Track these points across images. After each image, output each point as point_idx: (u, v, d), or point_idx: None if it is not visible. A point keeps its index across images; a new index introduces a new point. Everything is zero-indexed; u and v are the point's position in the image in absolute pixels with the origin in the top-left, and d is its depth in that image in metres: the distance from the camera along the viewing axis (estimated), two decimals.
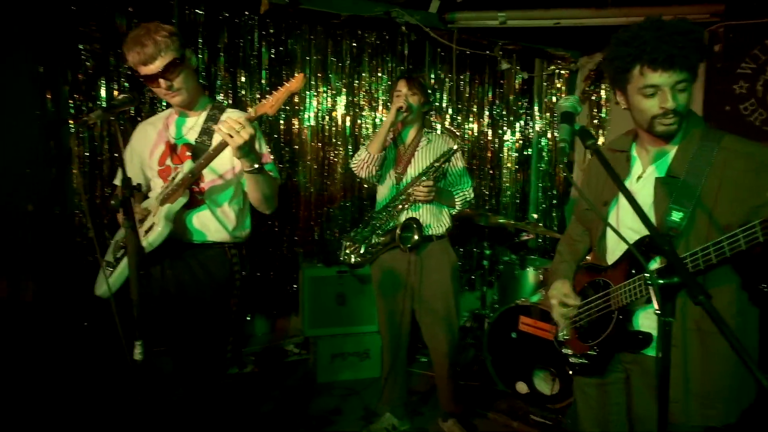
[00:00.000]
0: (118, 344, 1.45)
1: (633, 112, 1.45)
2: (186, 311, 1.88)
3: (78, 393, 2.94)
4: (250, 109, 1.72)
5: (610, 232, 1.58)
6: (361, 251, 2.74)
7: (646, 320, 1.47)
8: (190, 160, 1.83)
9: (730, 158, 1.36)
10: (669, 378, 1.11)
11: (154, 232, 1.76)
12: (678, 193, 1.38)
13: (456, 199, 2.74)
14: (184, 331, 1.89)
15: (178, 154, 1.91)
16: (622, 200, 1.52)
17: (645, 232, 1.40)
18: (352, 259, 2.76)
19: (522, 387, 3.16)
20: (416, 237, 2.60)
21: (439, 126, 4.29)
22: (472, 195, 2.79)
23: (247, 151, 1.66)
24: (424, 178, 2.60)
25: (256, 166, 1.73)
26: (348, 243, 2.79)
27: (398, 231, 2.60)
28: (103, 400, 2.86)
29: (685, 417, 1.39)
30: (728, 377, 1.38)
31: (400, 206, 2.67)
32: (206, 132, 1.88)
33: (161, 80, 1.72)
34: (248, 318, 3.80)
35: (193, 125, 1.92)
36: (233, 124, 1.60)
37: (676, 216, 1.36)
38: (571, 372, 1.69)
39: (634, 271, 1.43)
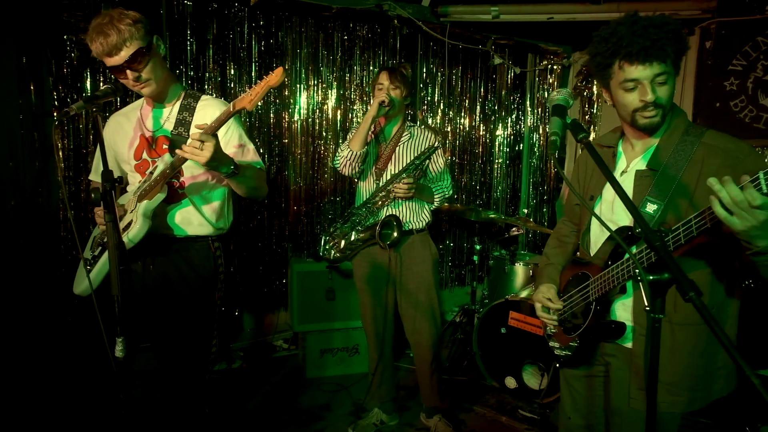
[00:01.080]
0: (100, 341, 1.42)
1: (617, 107, 1.47)
2: (170, 306, 1.85)
3: (62, 390, 2.90)
4: (228, 104, 1.67)
5: (593, 227, 1.62)
6: (341, 246, 2.73)
7: (622, 310, 1.52)
8: (167, 154, 1.78)
9: (708, 154, 1.38)
10: (657, 372, 1.11)
11: (133, 229, 1.72)
12: (655, 186, 1.41)
13: (435, 195, 2.73)
14: (168, 326, 1.86)
15: (155, 148, 1.86)
16: (606, 195, 1.57)
17: (623, 224, 1.48)
18: (332, 254, 2.76)
19: (511, 382, 3.17)
20: (395, 234, 2.60)
21: (419, 120, 4.27)
22: (451, 191, 2.79)
23: (215, 164, 1.63)
24: (404, 175, 2.58)
25: (232, 169, 1.70)
26: (327, 238, 2.78)
27: (378, 228, 2.59)
28: (87, 397, 2.83)
29: (647, 403, 1.43)
30: (693, 368, 1.43)
31: (380, 202, 2.65)
32: (182, 123, 1.83)
33: (128, 71, 1.65)
34: (236, 313, 3.77)
35: (168, 116, 1.87)
36: (194, 144, 1.56)
37: (650, 208, 1.40)
38: (557, 365, 1.73)
39: (610, 262, 1.47)
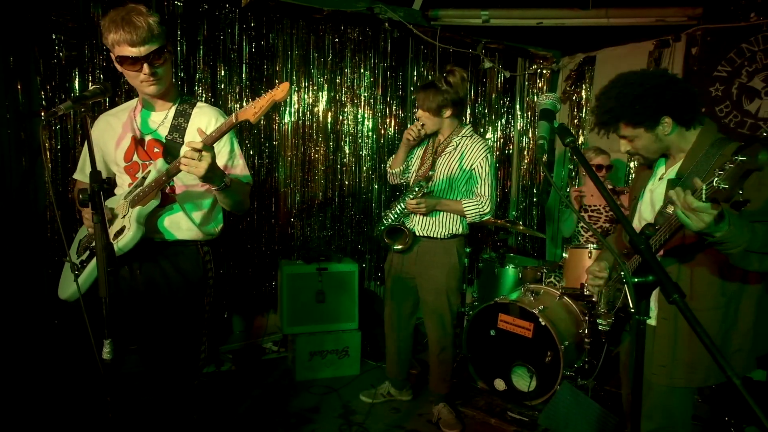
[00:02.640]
0: (88, 343, 1.41)
1: None
2: (158, 311, 1.83)
3: (49, 393, 2.87)
4: (230, 116, 1.64)
5: (635, 222, 1.85)
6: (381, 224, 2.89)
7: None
8: (161, 159, 1.76)
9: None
10: (642, 369, 1.18)
11: (126, 236, 1.70)
12: None
13: (465, 209, 2.70)
14: (156, 331, 1.84)
15: (145, 150, 1.83)
16: (645, 196, 1.80)
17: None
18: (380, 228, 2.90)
19: (500, 384, 3.18)
20: (399, 246, 2.80)
21: None
22: (488, 208, 2.69)
23: (210, 177, 1.62)
24: (411, 196, 2.68)
25: (224, 183, 1.70)
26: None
27: (385, 238, 2.83)
28: (75, 400, 2.80)
29: (670, 380, 1.65)
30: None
31: (403, 212, 2.79)
32: (177, 129, 1.82)
33: (146, 65, 1.65)
34: (226, 315, 3.75)
35: (162, 120, 1.85)
36: (191, 156, 1.56)
37: (669, 209, 1.54)
38: (603, 339, 2.13)
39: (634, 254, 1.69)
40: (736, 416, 2.76)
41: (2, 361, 2.82)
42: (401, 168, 2.89)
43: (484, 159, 2.67)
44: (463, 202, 2.71)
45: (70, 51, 3.03)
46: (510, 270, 3.61)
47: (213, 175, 1.63)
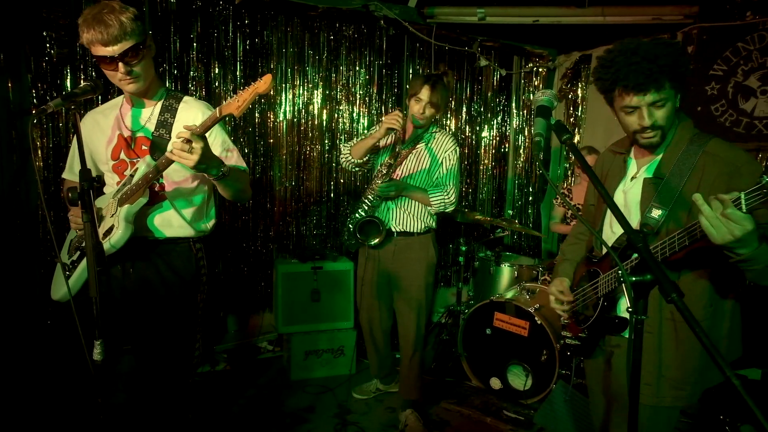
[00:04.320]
0: (79, 344, 1.39)
1: (621, 124, 1.56)
2: (151, 310, 1.81)
3: (41, 394, 2.85)
4: (215, 109, 1.62)
5: (605, 227, 1.69)
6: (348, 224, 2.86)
7: (627, 306, 1.57)
8: (148, 156, 1.74)
9: (709, 162, 1.44)
10: (639, 372, 1.15)
11: (115, 235, 1.67)
12: (661, 193, 1.48)
13: (431, 199, 2.73)
14: (150, 330, 1.82)
15: (133, 148, 1.81)
16: (618, 198, 1.64)
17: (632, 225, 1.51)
18: (350, 244, 2.88)
19: (496, 383, 3.18)
20: (375, 240, 2.74)
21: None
22: (452, 199, 2.73)
23: (204, 167, 1.60)
24: (379, 181, 2.67)
25: (221, 172, 1.68)
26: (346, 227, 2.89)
27: (357, 235, 2.76)
28: (67, 401, 2.77)
29: (657, 399, 1.52)
30: (695, 362, 1.50)
31: (373, 199, 2.75)
32: (163, 124, 1.79)
33: (120, 64, 1.61)
34: (221, 315, 3.73)
35: (149, 116, 1.82)
36: (181, 147, 1.53)
37: (655, 213, 1.47)
38: (568, 353, 1.86)
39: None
40: (731, 415, 2.76)
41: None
42: (363, 159, 2.75)
43: (453, 152, 2.75)
44: (429, 191, 2.74)
45: (62, 48, 3.00)
46: (506, 268, 3.60)
47: (207, 165, 1.60)
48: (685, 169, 1.45)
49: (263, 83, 1.52)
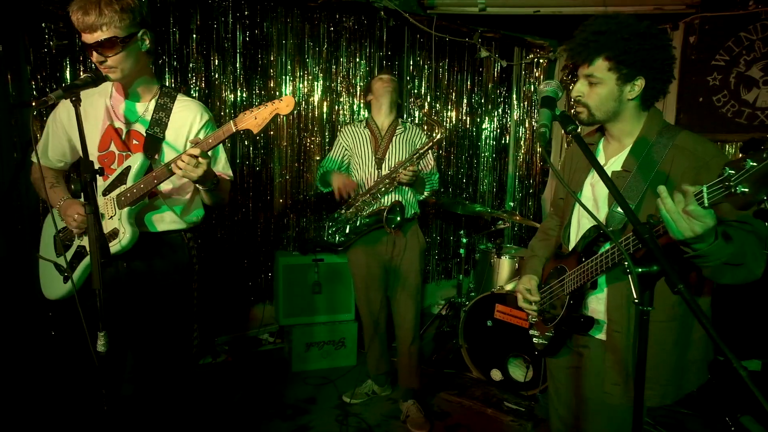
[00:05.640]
0: (83, 337, 1.39)
1: None
2: (146, 300, 1.82)
3: (47, 388, 2.85)
4: (230, 123, 1.65)
5: (573, 222, 1.64)
6: (346, 231, 2.84)
7: (595, 304, 1.55)
8: (141, 153, 1.73)
9: (678, 155, 1.39)
10: (645, 366, 1.12)
11: (124, 239, 1.68)
12: (628, 187, 1.42)
13: (425, 179, 2.94)
14: (147, 321, 1.82)
15: (123, 140, 1.78)
16: (585, 192, 1.59)
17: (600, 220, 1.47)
18: (337, 239, 2.87)
19: (496, 374, 3.19)
20: (399, 219, 2.76)
21: (417, 113, 4.26)
22: (437, 185, 3.03)
23: (203, 180, 1.65)
24: (408, 164, 2.71)
25: (213, 185, 1.73)
26: (331, 224, 2.91)
27: (385, 213, 2.74)
28: (73, 394, 2.78)
29: (626, 398, 1.46)
30: (665, 362, 1.46)
31: (383, 189, 2.78)
32: (157, 123, 1.78)
33: (94, 53, 1.61)
34: (221, 307, 3.73)
35: (143, 112, 1.81)
36: (189, 161, 1.58)
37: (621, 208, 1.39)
38: (536, 352, 1.79)
39: (583, 258, 1.48)
40: (731, 406, 2.77)
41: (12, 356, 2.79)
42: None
43: (427, 136, 2.98)
44: (422, 174, 2.92)
45: (61, 40, 2.98)
46: (506, 260, 3.60)
47: (206, 178, 1.66)
48: (652, 162, 1.40)
49: (285, 106, 1.56)
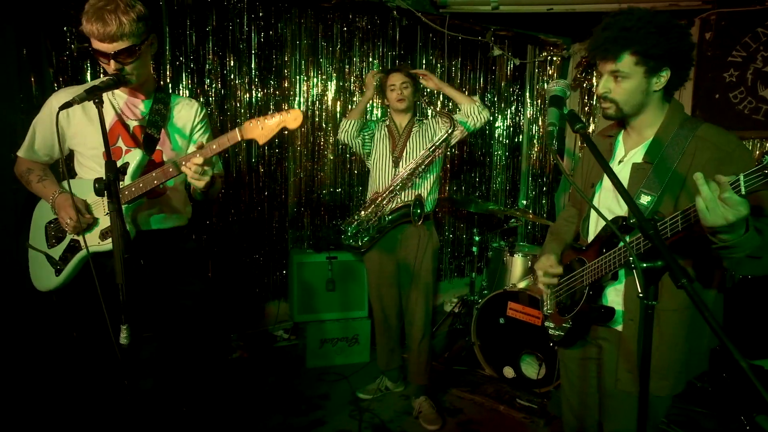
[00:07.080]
0: (105, 330, 1.43)
1: None
2: (159, 288, 1.89)
3: (66, 380, 2.93)
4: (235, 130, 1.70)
5: (592, 214, 1.66)
6: (371, 231, 2.91)
7: (614, 295, 1.56)
8: (141, 151, 1.78)
9: (700, 147, 1.40)
10: (650, 358, 1.14)
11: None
12: (650, 179, 1.44)
13: (469, 119, 2.92)
14: (165, 308, 1.90)
15: (131, 135, 1.82)
16: (606, 183, 1.60)
17: (621, 213, 1.50)
18: (360, 241, 2.93)
19: (509, 371, 3.20)
20: (419, 211, 2.81)
21: (430, 111, 4.28)
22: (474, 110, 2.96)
23: (207, 186, 1.71)
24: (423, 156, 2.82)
25: (210, 186, 1.77)
26: (349, 228, 2.96)
27: (411, 207, 2.80)
28: (92, 387, 2.85)
29: (636, 388, 1.43)
30: (679, 352, 1.47)
31: (400, 186, 2.84)
32: (154, 124, 1.83)
33: (112, 61, 1.63)
34: (237, 303, 3.79)
35: (142, 111, 1.86)
36: (197, 170, 1.63)
37: (644, 200, 1.43)
38: (551, 344, 1.78)
39: (604, 250, 1.49)
40: (746, 405, 2.76)
41: (9, 347, 2.86)
42: (362, 121, 2.99)
43: (444, 125, 2.93)
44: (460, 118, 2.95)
45: (81, 43, 3.05)
46: (519, 258, 3.61)
47: (210, 184, 1.72)
48: (675, 153, 1.41)
49: (293, 119, 1.60)
